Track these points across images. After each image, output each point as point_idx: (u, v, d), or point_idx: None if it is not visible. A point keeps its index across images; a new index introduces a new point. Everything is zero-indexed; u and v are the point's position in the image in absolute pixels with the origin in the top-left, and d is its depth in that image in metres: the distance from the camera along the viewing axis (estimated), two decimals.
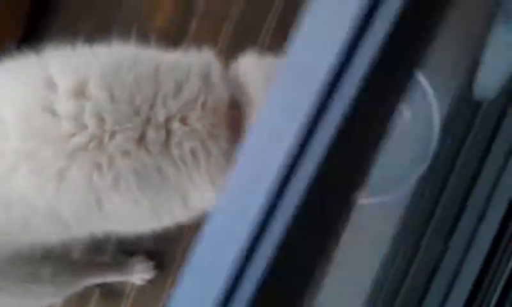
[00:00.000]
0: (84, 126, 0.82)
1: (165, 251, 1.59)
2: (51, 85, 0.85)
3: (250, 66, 0.98)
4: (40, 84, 0.85)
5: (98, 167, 0.83)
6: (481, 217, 1.03)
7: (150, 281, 1.61)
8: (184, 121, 0.87)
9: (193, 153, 0.88)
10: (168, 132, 0.86)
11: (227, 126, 0.91)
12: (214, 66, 0.94)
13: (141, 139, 0.85)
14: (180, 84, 0.88)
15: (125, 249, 1.65)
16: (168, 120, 0.86)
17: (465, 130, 1.05)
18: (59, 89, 0.84)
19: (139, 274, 1.62)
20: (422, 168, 1.12)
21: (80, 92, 0.84)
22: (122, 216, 0.93)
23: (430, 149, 1.12)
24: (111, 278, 1.61)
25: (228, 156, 0.90)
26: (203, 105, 0.88)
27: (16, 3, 1.64)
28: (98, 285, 1.60)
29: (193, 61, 0.93)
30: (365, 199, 1.16)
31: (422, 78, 1.13)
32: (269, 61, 1.00)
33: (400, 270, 1.11)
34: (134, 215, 0.93)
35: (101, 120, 0.83)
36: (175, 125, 0.86)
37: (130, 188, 0.86)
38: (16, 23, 1.62)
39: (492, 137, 1.03)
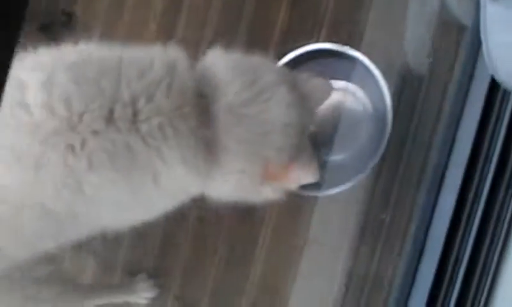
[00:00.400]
0: (53, 112, 0.86)
1: (164, 269, 1.63)
2: (22, 84, 0.89)
3: (217, 57, 1.03)
4: (12, 87, 0.88)
5: (72, 148, 0.86)
6: (439, 187, 1.02)
7: (153, 299, 1.64)
8: (150, 99, 0.90)
9: (161, 128, 0.90)
10: (135, 111, 0.89)
11: (195, 109, 0.93)
12: (180, 58, 0.98)
13: (110, 117, 0.88)
14: (143, 71, 0.92)
15: (129, 270, 1.69)
16: (134, 99, 0.90)
17: (412, 105, 1.06)
18: (29, 86, 0.89)
19: (142, 293, 1.65)
20: (379, 152, 1.13)
21: (48, 84, 0.88)
22: (104, 200, 0.95)
23: (386, 132, 1.12)
24: (116, 299, 1.65)
25: (197, 135, 0.92)
26: (169, 86, 0.92)
27: None
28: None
29: (157, 53, 0.97)
30: (326, 191, 1.18)
31: (369, 63, 1.15)
32: (234, 54, 1.05)
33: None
34: (115, 198, 0.95)
35: (68, 104, 0.87)
36: (141, 103, 0.90)
37: (103, 167, 0.89)
38: None
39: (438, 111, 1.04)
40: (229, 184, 1.01)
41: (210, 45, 1.45)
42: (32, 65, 0.92)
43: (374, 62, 1.14)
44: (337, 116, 1.24)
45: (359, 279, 1.20)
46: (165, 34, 1.60)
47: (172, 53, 0.99)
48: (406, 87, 1.15)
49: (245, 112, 0.96)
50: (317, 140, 1.22)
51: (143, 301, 1.66)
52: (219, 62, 1.01)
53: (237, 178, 1.00)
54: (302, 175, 1.01)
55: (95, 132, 0.87)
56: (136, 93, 0.90)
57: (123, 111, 0.89)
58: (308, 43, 1.29)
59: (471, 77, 0.98)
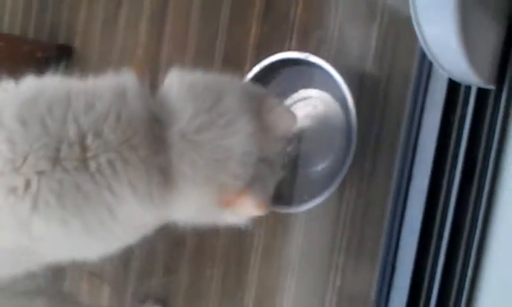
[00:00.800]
0: None
1: (168, 295, 1.63)
2: None
3: (173, 80, 0.99)
4: None
5: (14, 190, 0.85)
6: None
7: None
8: (97, 134, 0.88)
9: (110, 163, 0.88)
10: (83, 148, 0.87)
11: (146, 137, 0.90)
12: (130, 84, 0.95)
13: (56, 157, 0.86)
14: (92, 102, 0.90)
15: (138, 297, 1.70)
16: (82, 136, 0.87)
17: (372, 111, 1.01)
18: None
19: None
20: (349, 160, 1.08)
21: None
22: (58, 238, 0.92)
23: (353, 137, 1.07)
24: None
25: (149, 164, 0.90)
26: (118, 118, 0.89)
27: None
28: None
29: (108, 82, 0.96)
30: (300, 207, 1.14)
31: (330, 69, 1.10)
32: (193, 74, 1.01)
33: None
34: (70, 235, 0.92)
35: (13, 144, 0.85)
36: (89, 139, 0.87)
37: (50, 208, 0.86)
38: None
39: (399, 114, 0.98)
40: (188, 208, 0.98)
41: (193, 61, 1.52)
42: None
43: (338, 68, 1.09)
44: (314, 126, 1.20)
45: (345, 295, 1.16)
46: (151, 57, 1.64)
47: (123, 80, 0.96)
48: (366, 92, 1.10)
49: (199, 139, 0.92)
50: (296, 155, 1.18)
51: None
52: (175, 85, 0.97)
53: (194, 202, 0.96)
54: (253, 204, 0.96)
55: (40, 173, 0.86)
56: (83, 128, 0.88)
57: (69, 150, 0.86)
58: (279, 52, 1.27)
59: (429, 73, 0.92)
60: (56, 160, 0.86)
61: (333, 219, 1.17)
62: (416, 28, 0.76)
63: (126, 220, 0.94)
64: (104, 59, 1.82)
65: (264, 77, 1.22)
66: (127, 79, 0.96)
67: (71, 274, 1.81)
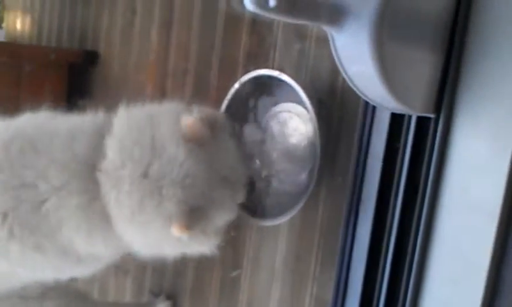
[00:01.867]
0: None
1: (177, 292, 1.73)
2: None
3: (117, 119, 1.02)
4: None
5: None
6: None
7: None
8: (45, 179, 0.95)
9: (56, 208, 0.95)
10: (37, 192, 0.95)
11: (83, 182, 0.95)
12: (84, 128, 1.01)
13: (20, 198, 0.95)
14: (50, 145, 0.97)
15: (153, 291, 1.81)
16: (35, 181, 0.95)
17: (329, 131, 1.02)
18: None
19: None
20: (315, 173, 1.10)
21: None
22: (35, 262, 1.03)
23: (317, 157, 1.09)
24: None
25: (84, 210, 0.95)
26: (62, 163, 0.95)
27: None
28: None
29: (91, 123, 1.02)
30: (279, 219, 1.17)
31: (294, 84, 1.12)
32: (137, 111, 1.03)
33: None
34: (43, 261, 1.03)
35: None
36: (40, 184, 0.95)
37: (23, 236, 0.97)
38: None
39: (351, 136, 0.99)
40: (139, 243, 1.01)
41: (195, 68, 1.58)
42: None
43: (306, 83, 1.11)
44: (289, 138, 1.23)
45: (321, 302, 1.20)
46: (162, 63, 1.72)
47: (85, 121, 1.03)
48: (323, 111, 1.11)
49: (120, 174, 0.93)
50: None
51: None
52: (116, 125, 1.00)
53: (140, 237, 0.98)
54: (178, 227, 0.92)
55: (13, 208, 0.96)
56: (37, 173, 0.96)
57: (27, 193, 0.96)
58: (265, 62, 1.31)
59: None
60: (21, 201, 0.96)
61: (311, 229, 1.21)
62: (339, 66, 0.78)
63: (83, 254, 1.03)
64: (124, 63, 1.94)
65: (243, 94, 1.26)
66: (88, 121, 1.02)
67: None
